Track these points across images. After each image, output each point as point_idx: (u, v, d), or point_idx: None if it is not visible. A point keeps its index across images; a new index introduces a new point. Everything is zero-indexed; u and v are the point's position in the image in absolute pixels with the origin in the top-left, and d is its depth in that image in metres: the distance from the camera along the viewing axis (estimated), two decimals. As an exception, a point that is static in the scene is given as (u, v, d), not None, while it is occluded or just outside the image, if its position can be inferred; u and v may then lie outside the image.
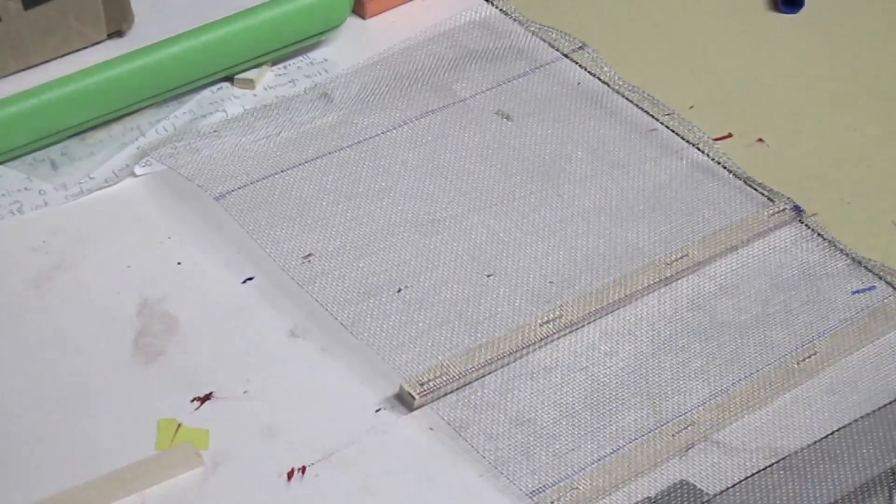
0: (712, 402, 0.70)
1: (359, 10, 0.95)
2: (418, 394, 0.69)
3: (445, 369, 0.70)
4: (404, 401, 0.69)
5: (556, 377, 0.71)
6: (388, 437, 0.68)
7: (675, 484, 0.65)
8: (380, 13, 0.96)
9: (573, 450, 0.67)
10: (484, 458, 0.67)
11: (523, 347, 0.72)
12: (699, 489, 0.65)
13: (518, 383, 0.70)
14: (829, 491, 0.65)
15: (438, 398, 0.69)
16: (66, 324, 0.73)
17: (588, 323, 0.73)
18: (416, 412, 0.69)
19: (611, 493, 0.66)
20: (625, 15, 0.95)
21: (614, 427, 0.68)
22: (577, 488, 0.65)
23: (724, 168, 0.82)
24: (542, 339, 0.72)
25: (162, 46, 0.85)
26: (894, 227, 0.71)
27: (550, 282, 0.75)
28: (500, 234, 0.78)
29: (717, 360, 0.72)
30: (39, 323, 0.73)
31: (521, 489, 0.66)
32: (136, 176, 0.82)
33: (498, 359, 0.71)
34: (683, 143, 0.84)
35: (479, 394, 0.70)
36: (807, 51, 0.93)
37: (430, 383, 0.69)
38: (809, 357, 0.72)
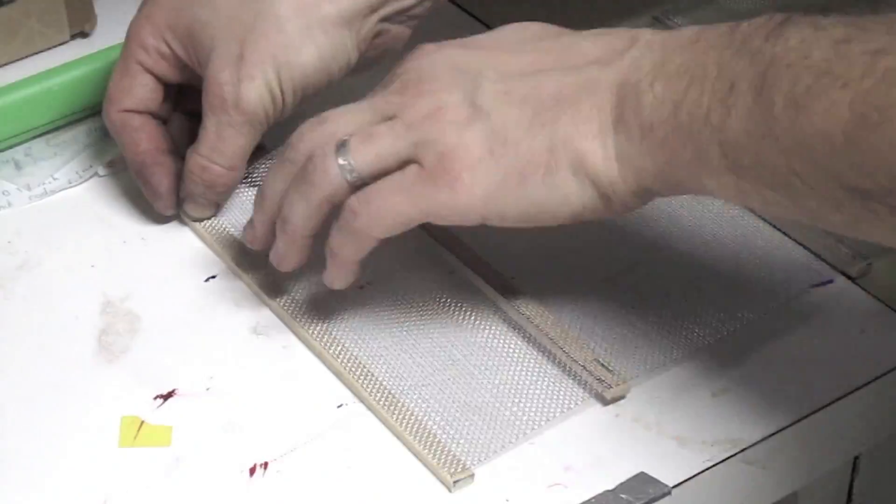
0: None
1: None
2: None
3: None
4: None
5: None
6: (350, 433, 0.68)
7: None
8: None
9: None
10: None
11: None
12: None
13: None
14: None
15: None
16: (29, 323, 0.74)
17: None
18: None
19: None
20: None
21: None
22: None
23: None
24: None
25: (125, 47, 0.85)
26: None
27: None
28: None
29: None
30: (2, 322, 0.74)
31: None
32: (100, 176, 0.83)
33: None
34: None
35: None
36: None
37: None
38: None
